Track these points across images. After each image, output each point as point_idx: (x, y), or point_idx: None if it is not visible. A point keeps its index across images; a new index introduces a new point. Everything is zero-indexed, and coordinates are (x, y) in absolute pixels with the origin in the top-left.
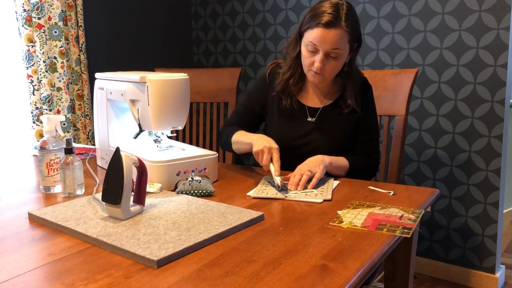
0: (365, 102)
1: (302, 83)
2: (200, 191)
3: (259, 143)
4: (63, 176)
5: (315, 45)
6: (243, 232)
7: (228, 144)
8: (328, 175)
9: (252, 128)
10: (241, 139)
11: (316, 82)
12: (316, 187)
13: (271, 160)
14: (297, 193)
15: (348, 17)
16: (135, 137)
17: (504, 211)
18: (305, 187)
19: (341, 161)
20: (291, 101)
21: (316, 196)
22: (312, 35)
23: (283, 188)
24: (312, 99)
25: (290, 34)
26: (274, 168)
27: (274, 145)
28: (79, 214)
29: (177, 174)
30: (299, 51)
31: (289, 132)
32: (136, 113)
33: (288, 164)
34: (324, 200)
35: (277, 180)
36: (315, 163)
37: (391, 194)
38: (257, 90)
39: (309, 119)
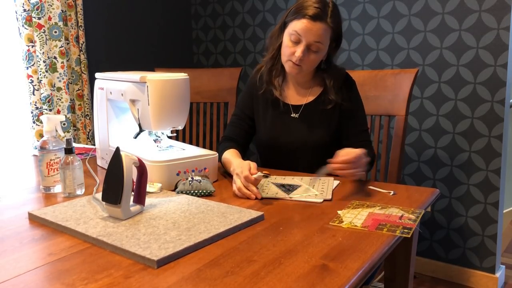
0: (350, 95)
1: (282, 78)
2: (200, 191)
3: (234, 175)
4: (63, 176)
5: (299, 35)
6: (243, 232)
7: (222, 164)
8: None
9: (249, 134)
10: (226, 162)
11: (293, 73)
12: (316, 187)
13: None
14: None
15: (333, 14)
16: (135, 137)
17: (504, 211)
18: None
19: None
20: (277, 94)
21: (316, 196)
22: (298, 25)
23: (284, 189)
24: (294, 97)
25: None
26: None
27: (245, 167)
28: (79, 214)
29: (177, 174)
30: (282, 42)
31: (275, 130)
32: (136, 113)
33: (276, 162)
34: (324, 200)
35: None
36: (360, 163)
37: (391, 194)
38: (245, 96)
39: (293, 115)
